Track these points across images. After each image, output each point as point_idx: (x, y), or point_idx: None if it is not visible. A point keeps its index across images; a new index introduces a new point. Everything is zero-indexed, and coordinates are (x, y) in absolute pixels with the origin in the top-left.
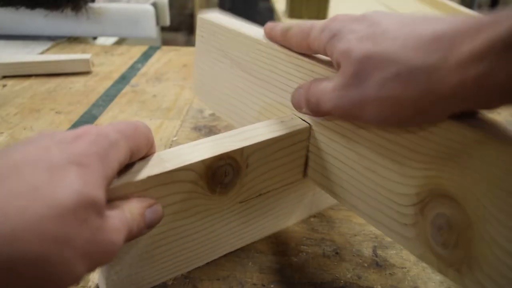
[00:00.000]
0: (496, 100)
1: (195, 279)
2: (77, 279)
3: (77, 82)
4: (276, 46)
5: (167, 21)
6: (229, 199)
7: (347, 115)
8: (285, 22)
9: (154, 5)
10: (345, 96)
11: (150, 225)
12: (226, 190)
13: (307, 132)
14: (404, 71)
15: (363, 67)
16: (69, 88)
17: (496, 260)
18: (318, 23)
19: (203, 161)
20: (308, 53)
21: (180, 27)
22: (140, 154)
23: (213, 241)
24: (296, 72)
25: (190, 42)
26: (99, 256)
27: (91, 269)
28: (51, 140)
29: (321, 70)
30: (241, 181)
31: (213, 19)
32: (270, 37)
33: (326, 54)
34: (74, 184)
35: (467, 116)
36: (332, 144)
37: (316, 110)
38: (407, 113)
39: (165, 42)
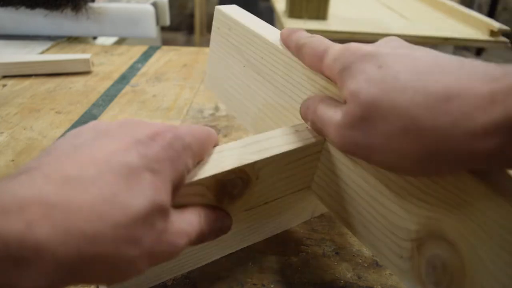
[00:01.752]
0: (508, 168)
1: (195, 279)
2: (140, 272)
3: (77, 82)
4: (292, 55)
5: (167, 21)
6: (236, 208)
7: (351, 154)
8: (299, 34)
9: (154, 5)
10: (350, 137)
11: (219, 233)
12: (234, 201)
13: (321, 145)
14: (412, 128)
15: (370, 114)
16: (69, 88)
17: None
18: (332, 48)
19: (214, 176)
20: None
21: (180, 27)
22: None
23: (215, 245)
24: (310, 86)
25: (190, 42)
26: (161, 255)
27: (153, 265)
28: (131, 136)
29: (335, 89)
30: (249, 191)
31: (230, 13)
32: (286, 45)
33: (337, 84)
34: (146, 192)
35: None
36: (339, 164)
37: (320, 134)
38: (414, 167)
39: (165, 42)
